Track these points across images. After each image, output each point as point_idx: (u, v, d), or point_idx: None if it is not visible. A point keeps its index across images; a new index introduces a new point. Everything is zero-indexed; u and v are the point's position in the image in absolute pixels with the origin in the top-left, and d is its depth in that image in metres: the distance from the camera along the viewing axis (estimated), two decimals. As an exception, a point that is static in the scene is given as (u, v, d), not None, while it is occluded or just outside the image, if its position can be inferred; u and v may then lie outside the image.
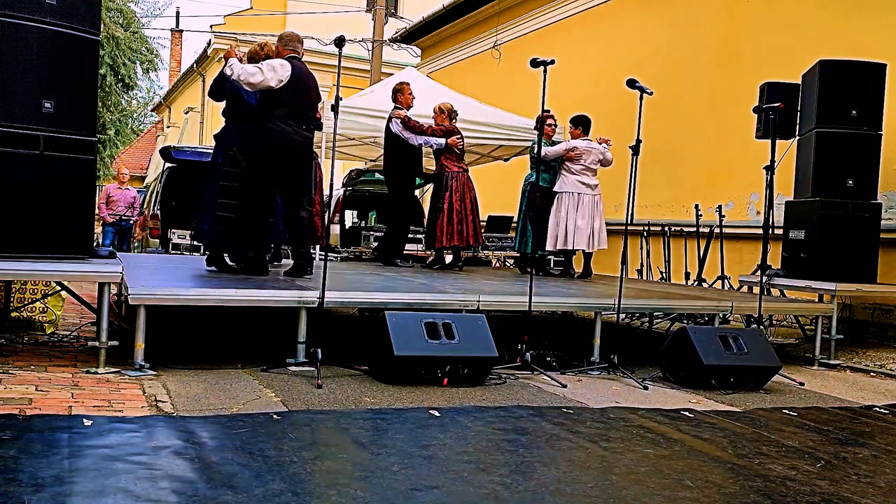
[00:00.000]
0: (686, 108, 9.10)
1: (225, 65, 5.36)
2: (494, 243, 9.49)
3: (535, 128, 5.54)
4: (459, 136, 7.51)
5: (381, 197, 11.17)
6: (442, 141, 7.39)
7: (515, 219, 7.99)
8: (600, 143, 7.31)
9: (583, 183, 7.23)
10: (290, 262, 7.05)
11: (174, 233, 9.37)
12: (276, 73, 5.25)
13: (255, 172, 5.47)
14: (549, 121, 7.47)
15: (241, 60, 5.38)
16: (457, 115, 7.66)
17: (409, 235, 9.17)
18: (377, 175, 11.49)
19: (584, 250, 7.33)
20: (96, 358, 4.22)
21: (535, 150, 7.25)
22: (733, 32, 8.86)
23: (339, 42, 4.66)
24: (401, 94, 7.56)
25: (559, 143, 7.61)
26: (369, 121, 8.14)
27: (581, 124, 7.39)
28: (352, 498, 2.46)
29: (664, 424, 3.73)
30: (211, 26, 23.02)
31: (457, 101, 9.14)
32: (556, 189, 7.33)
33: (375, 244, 9.11)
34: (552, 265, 8.47)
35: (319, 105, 7.26)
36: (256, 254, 5.60)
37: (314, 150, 7.01)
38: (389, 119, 7.50)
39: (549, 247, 7.35)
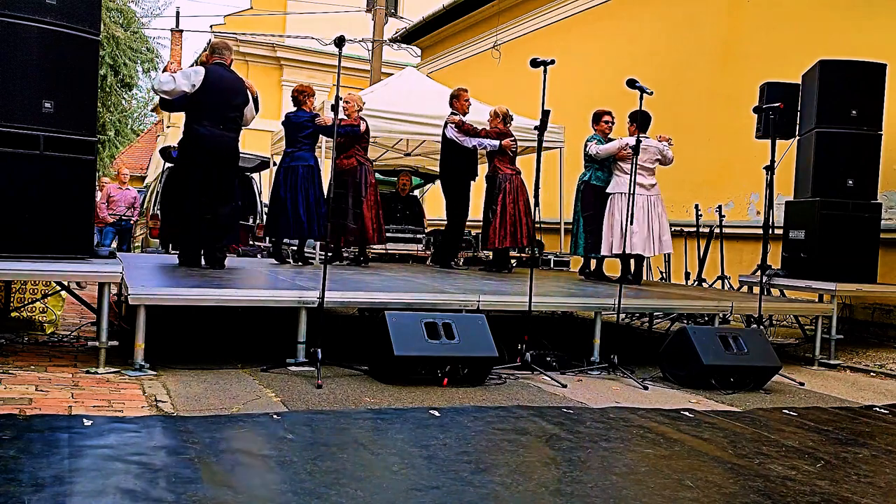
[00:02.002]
0: (686, 108, 9.10)
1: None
2: None
3: (535, 128, 5.46)
4: (513, 138, 7.49)
5: (381, 197, 11.16)
6: (496, 143, 7.41)
7: (570, 220, 7.67)
8: (661, 142, 6.89)
9: (636, 183, 6.79)
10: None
11: None
12: (188, 79, 5.71)
13: (183, 170, 5.92)
14: (606, 117, 7.19)
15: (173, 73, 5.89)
16: (512, 118, 7.68)
17: (409, 236, 9.19)
18: (378, 175, 11.50)
19: (641, 255, 6.83)
20: (96, 358, 4.22)
21: (588, 149, 7.08)
22: (733, 32, 8.86)
23: (339, 42, 4.67)
24: (457, 101, 7.66)
25: (613, 140, 7.11)
26: (369, 121, 8.13)
27: (637, 120, 6.69)
28: (352, 498, 2.46)
29: (664, 424, 3.73)
30: (211, 26, 23.02)
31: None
32: (608, 190, 6.91)
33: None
34: (552, 265, 8.40)
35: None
36: (195, 246, 5.96)
37: (366, 159, 7.28)
38: (445, 125, 7.62)
39: (603, 251, 6.92)
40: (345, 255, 7.94)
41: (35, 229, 4.32)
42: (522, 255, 9.23)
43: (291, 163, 6.92)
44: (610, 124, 7.24)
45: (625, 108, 7.00)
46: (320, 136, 7.32)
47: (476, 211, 8.22)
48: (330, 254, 7.65)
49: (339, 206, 7.13)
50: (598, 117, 7.26)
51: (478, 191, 7.89)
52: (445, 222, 7.93)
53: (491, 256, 8.96)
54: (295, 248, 7.55)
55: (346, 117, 7.22)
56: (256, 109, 6.23)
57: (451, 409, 3.79)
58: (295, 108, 7.17)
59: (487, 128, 7.57)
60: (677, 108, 9.06)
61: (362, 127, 7.25)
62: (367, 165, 7.42)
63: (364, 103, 7.50)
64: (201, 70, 5.78)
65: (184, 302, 4.49)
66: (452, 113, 7.60)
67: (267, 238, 10.06)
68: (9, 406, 3.33)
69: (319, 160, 7.43)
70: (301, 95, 7.14)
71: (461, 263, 8.17)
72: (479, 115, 9.14)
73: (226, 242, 6.37)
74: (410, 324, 4.34)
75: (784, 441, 3.54)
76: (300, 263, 7.17)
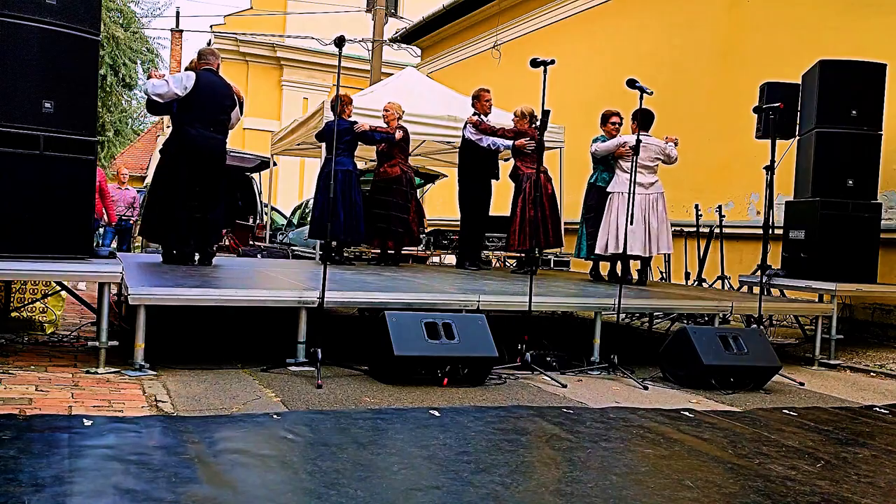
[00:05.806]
0: (686, 108, 9.10)
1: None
2: (494, 243, 9.47)
3: (535, 128, 5.44)
4: (529, 138, 7.41)
5: None
6: (509, 143, 7.41)
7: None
8: (666, 142, 6.82)
9: (635, 182, 6.53)
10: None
11: None
12: (180, 83, 5.92)
13: (172, 170, 6.06)
14: (614, 118, 7.16)
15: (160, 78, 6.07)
16: (536, 118, 7.66)
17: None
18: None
19: (640, 255, 6.74)
20: (96, 358, 4.22)
21: (592, 149, 7.07)
22: (733, 32, 8.86)
23: (339, 42, 4.68)
24: (478, 101, 7.70)
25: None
26: (369, 121, 8.13)
27: (637, 118, 6.50)
28: (352, 498, 2.46)
29: (664, 424, 3.73)
30: (211, 26, 23.00)
31: (456, 101, 9.15)
32: (608, 189, 6.87)
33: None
34: (543, 265, 8.37)
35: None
36: (182, 245, 6.13)
37: (408, 166, 7.66)
38: (465, 125, 7.67)
39: (597, 250, 6.87)
40: (343, 255, 7.98)
41: (35, 229, 4.32)
42: (521, 255, 9.22)
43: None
44: (617, 125, 7.21)
45: (625, 107, 7.01)
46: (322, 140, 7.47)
47: (501, 210, 8.22)
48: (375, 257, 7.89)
49: (383, 211, 7.46)
50: (605, 118, 7.26)
51: (506, 190, 7.90)
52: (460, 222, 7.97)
53: (488, 257, 8.95)
54: (296, 249, 7.62)
55: (385, 125, 7.49)
56: (241, 112, 6.39)
57: (451, 409, 3.79)
58: (334, 118, 7.37)
59: (505, 127, 7.53)
60: (677, 108, 9.06)
61: (398, 135, 7.45)
62: (409, 173, 7.68)
63: (404, 111, 7.65)
64: (192, 75, 5.99)
65: (184, 302, 4.48)
66: (473, 113, 7.63)
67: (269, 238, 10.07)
68: (9, 406, 3.33)
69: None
70: (339, 104, 7.29)
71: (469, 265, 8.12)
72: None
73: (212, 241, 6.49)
74: (410, 324, 4.34)
75: (784, 441, 3.54)
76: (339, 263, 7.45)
